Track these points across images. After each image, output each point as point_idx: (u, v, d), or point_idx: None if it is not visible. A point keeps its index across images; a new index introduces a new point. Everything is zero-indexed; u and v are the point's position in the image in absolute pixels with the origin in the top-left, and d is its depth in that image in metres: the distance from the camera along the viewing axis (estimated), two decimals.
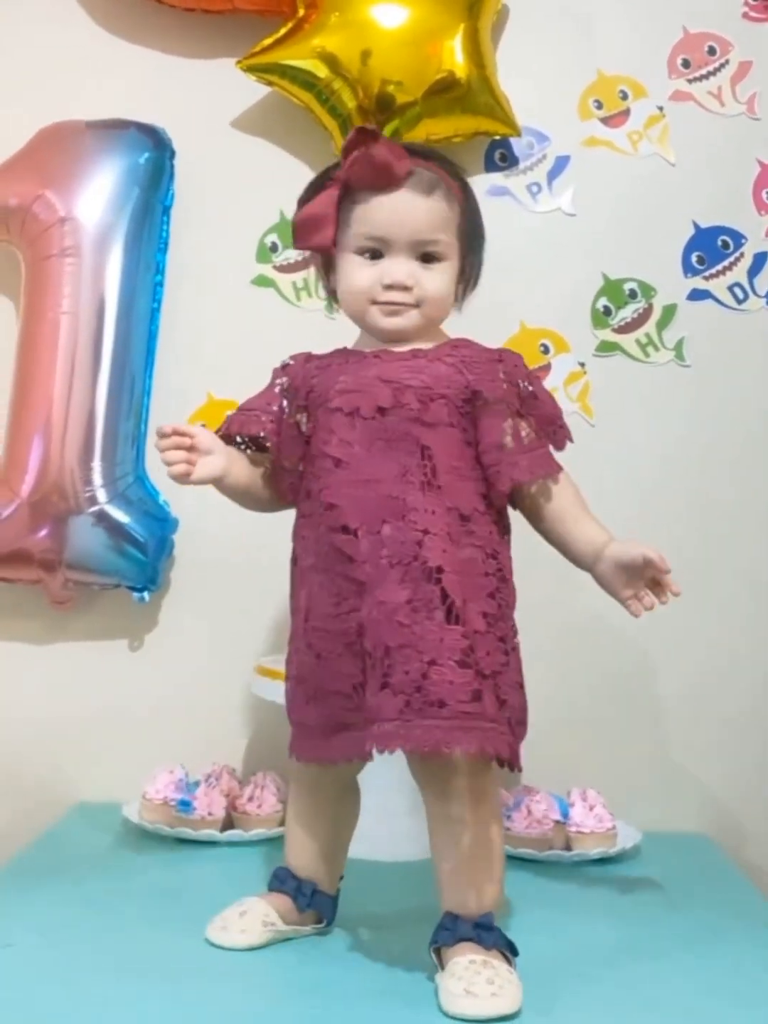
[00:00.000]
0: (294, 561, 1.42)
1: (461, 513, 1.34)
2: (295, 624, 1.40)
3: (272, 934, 1.40)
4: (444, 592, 1.29)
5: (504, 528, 1.41)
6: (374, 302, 1.38)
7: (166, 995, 1.25)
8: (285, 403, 1.42)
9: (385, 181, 1.36)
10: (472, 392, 1.36)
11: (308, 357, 1.45)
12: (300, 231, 1.41)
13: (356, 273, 1.39)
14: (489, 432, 1.36)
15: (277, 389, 1.44)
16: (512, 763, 1.32)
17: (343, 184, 1.38)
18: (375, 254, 1.38)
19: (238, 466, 1.41)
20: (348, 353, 1.43)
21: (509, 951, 1.30)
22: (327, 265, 1.46)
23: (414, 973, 1.32)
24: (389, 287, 1.37)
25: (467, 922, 1.29)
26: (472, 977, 1.23)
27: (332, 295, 1.49)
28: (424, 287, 1.38)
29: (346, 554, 1.32)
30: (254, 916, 1.40)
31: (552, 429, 1.41)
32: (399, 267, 1.37)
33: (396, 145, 1.39)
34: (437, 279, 1.39)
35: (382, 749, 1.27)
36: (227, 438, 1.43)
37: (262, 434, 1.41)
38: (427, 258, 1.39)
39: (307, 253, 1.63)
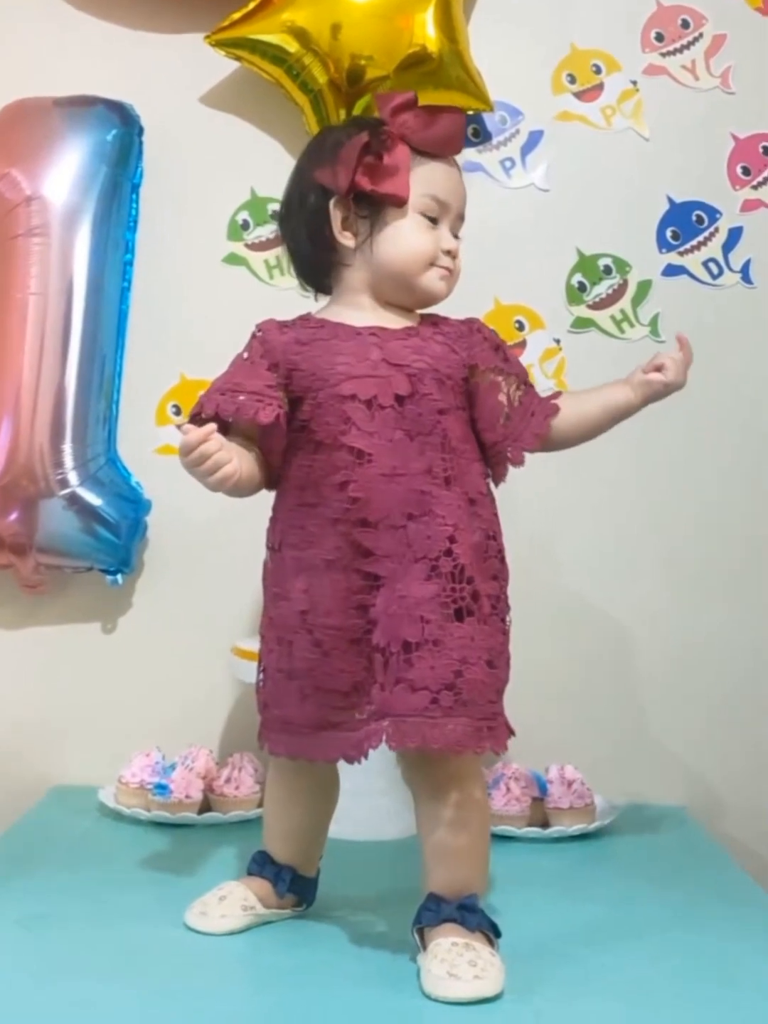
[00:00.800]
0: (277, 548, 1.37)
1: (470, 497, 1.34)
2: (278, 614, 1.36)
3: (252, 918, 1.39)
4: (476, 592, 1.29)
5: (496, 506, 1.40)
6: (433, 265, 1.38)
7: (146, 982, 1.23)
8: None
9: (452, 149, 1.40)
10: (469, 367, 1.36)
11: (280, 328, 1.38)
12: (375, 175, 1.34)
13: (420, 234, 1.37)
14: (490, 411, 1.36)
15: (265, 366, 1.35)
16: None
17: (405, 140, 1.36)
18: (433, 219, 1.38)
19: (244, 461, 1.33)
20: (334, 326, 1.37)
21: (492, 932, 1.30)
22: (348, 221, 1.37)
23: (396, 955, 1.32)
24: (447, 252, 1.38)
25: (451, 903, 1.29)
26: (455, 959, 1.22)
27: (312, 267, 1.43)
28: (458, 262, 1.41)
29: (364, 548, 1.29)
30: (233, 901, 1.39)
31: (528, 385, 1.42)
32: (452, 236, 1.40)
33: (459, 114, 1.42)
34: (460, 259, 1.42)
35: (404, 745, 1.26)
36: (221, 422, 1.32)
37: (269, 422, 1.32)
38: (453, 227, 1.41)
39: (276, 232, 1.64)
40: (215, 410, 1.32)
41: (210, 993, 1.22)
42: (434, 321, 1.40)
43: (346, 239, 1.37)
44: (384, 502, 1.29)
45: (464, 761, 1.30)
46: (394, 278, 1.38)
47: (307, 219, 1.39)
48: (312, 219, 1.38)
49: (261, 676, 1.40)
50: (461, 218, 1.41)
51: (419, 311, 1.42)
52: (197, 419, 1.33)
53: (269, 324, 1.40)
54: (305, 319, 1.41)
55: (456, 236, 1.41)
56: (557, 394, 1.43)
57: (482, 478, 1.37)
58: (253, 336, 1.39)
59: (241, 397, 1.33)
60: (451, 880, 1.30)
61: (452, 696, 1.25)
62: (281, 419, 1.33)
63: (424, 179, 1.36)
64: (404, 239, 1.36)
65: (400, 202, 1.35)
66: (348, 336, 1.35)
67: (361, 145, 1.34)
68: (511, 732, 1.33)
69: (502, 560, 1.37)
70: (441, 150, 1.38)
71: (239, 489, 1.33)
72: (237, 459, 1.29)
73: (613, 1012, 1.21)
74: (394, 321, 1.38)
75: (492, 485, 1.40)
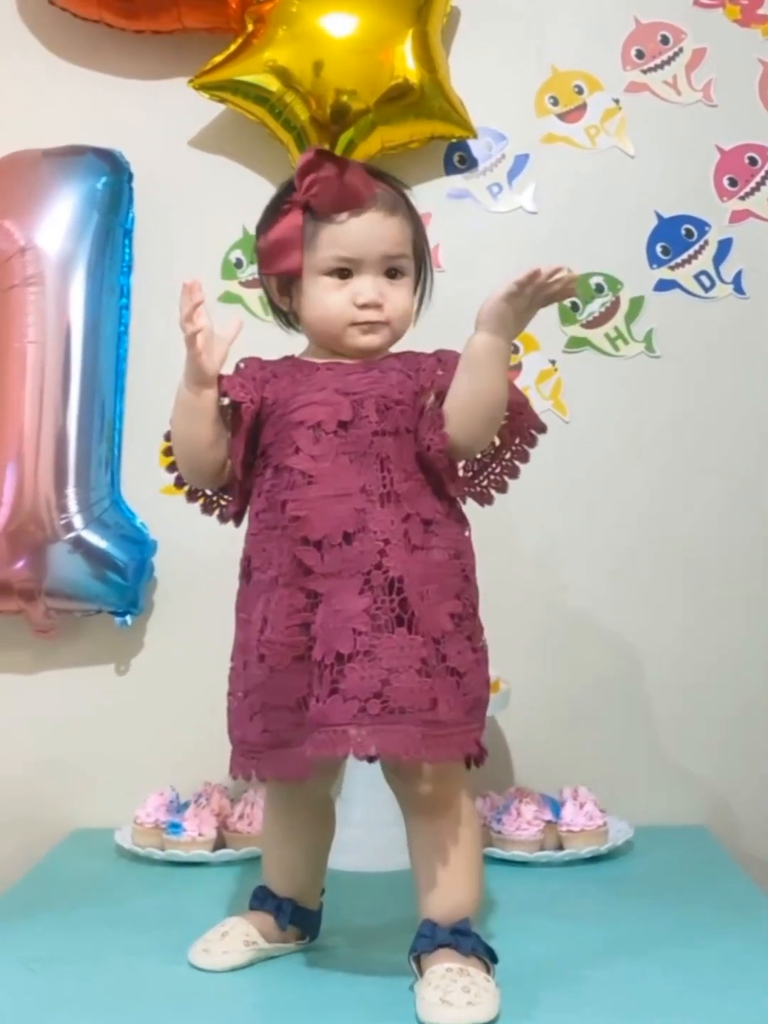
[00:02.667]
0: (247, 575, 1.40)
1: (423, 518, 1.34)
2: (244, 638, 1.39)
3: (255, 953, 1.40)
4: (405, 602, 1.29)
5: (465, 528, 1.41)
6: (352, 323, 1.38)
7: (144, 1020, 1.24)
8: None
9: (354, 203, 1.38)
10: (418, 393, 1.37)
11: (261, 364, 1.44)
12: (266, 257, 1.42)
13: (328, 296, 1.38)
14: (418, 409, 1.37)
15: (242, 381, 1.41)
16: (480, 759, 1.34)
17: (304, 208, 1.39)
18: (344, 274, 1.38)
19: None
20: (299, 364, 1.42)
21: (488, 957, 1.29)
22: (282, 288, 1.44)
23: (397, 985, 1.31)
24: (364, 306, 1.37)
25: (444, 928, 1.29)
26: (448, 985, 1.22)
27: (284, 316, 1.49)
28: (393, 303, 1.39)
29: (306, 566, 1.32)
30: (235, 936, 1.40)
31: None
32: (370, 286, 1.37)
33: (358, 167, 1.40)
34: (402, 294, 1.40)
35: (333, 753, 1.27)
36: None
37: (242, 403, 1.38)
38: (392, 274, 1.39)
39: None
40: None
41: None
42: (400, 356, 1.42)
43: (283, 305, 1.45)
44: (324, 521, 1.31)
45: (447, 782, 1.32)
46: (321, 341, 1.42)
47: (263, 286, 1.49)
48: (264, 286, 1.48)
49: (228, 702, 1.43)
50: (392, 257, 1.39)
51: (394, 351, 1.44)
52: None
53: (251, 359, 1.45)
54: (285, 359, 1.46)
55: (394, 272, 1.39)
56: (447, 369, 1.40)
57: (439, 498, 1.37)
58: (235, 366, 1.44)
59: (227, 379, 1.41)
60: (443, 904, 1.31)
61: (379, 704, 1.26)
62: (247, 405, 1.38)
63: (329, 240, 1.38)
64: (314, 305, 1.39)
65: (295, 274, 1.39)
66: (310, 371, 1.40)
67: (257, 225, 1.43)
68: (476, 746, 1.32)
69: (466, 579, 1.37)
70: (340, 208, 1.37)
71: (203, 415, 1.39)
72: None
73: None
74: (355, 359, 1.41)
75: (465, 506, 1.42)
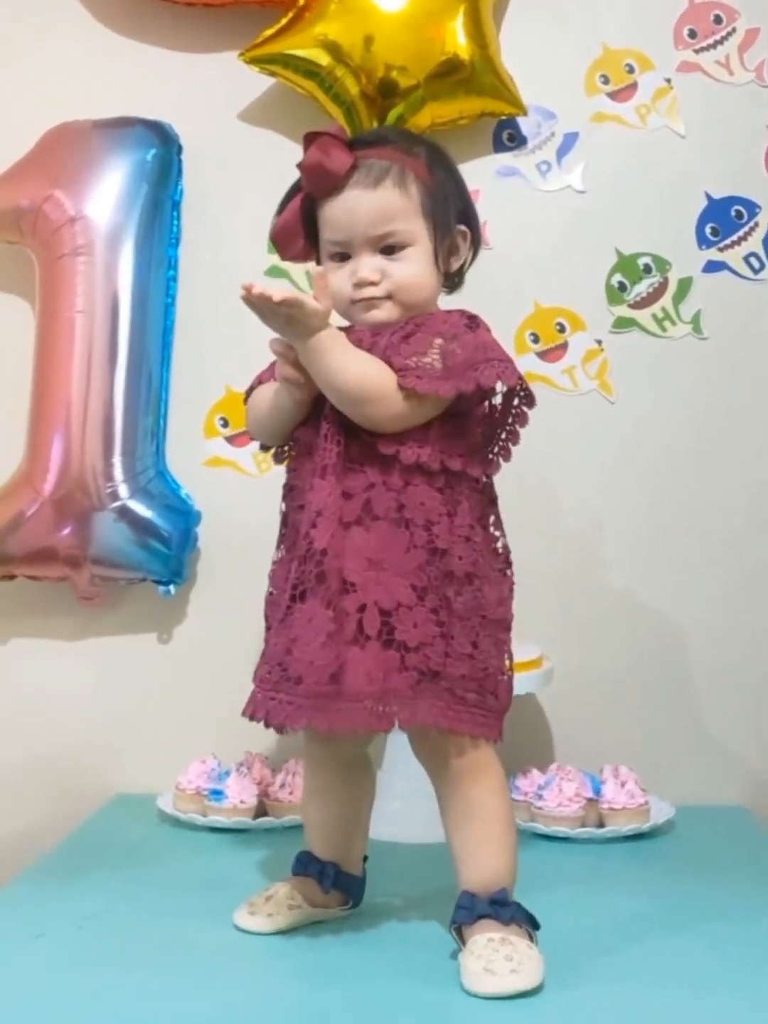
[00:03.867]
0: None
1: (389, 486, 1.31)
2: None
3: (299, 916, 1.41)
4: (323, 573, 1.30)
5: (452, 499, 1.34)
6: (353, 302, 1.38)
7: (194, 979, 1.26)
8: None
9: (327, 183, 1.35)
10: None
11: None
12: (278, 246, 1.44)
13: (334, 277, 1.37)
14: None
15: None
16: (383, 730, 1.32)
17: (305, 194, 1.39)
18: (343, 256, 1.38)
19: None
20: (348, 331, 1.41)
21: (530, 925, 1.31)
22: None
23: (440, 953, 1.33)
24: (358, 285, 1.36)
25: (483, 899, 1.30)
26: (491, 955, 1.24)
27: None
28: (393, 278, 1.36)
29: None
30: (280, 900, 1.42)
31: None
32: (363, 265, 1.36)
33: (335, 141, 1.35)
34: (405, 266, 1.36)
35: (251, 715, 1.34)
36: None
37: None
38: (389, 250, 1.36)
39: None
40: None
41: (255, 990, 1.25)
42: (420, 320, 1.36)
43: None
44: (299, 490, 1.38)
45: (471, 753, 1.33)
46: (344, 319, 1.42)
47: None
48: None
49: None
50: (382, 236, 1.35)
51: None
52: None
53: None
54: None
55: (391, 248, 1.35)
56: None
57: (410, 468, 1.31)
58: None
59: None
60: (480, 875, 1.32)
61: (280, 672, 1.31)
62: None
63: (324, 223, 1.38)
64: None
65: (305, 260, 1.42)
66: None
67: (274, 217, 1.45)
68: (389, 723, 1.29)
69: (434, 551, 1.31)
70: (322, 190, 1.36)
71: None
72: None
73: (653, 1002, 1.21)
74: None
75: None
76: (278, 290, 1.28)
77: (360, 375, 1.31)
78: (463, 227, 1.41)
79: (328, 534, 1.30)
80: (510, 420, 1.39)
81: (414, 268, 1.37)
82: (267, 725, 1.33)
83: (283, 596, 1.35)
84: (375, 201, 1.35)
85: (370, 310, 1.37)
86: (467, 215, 1.42)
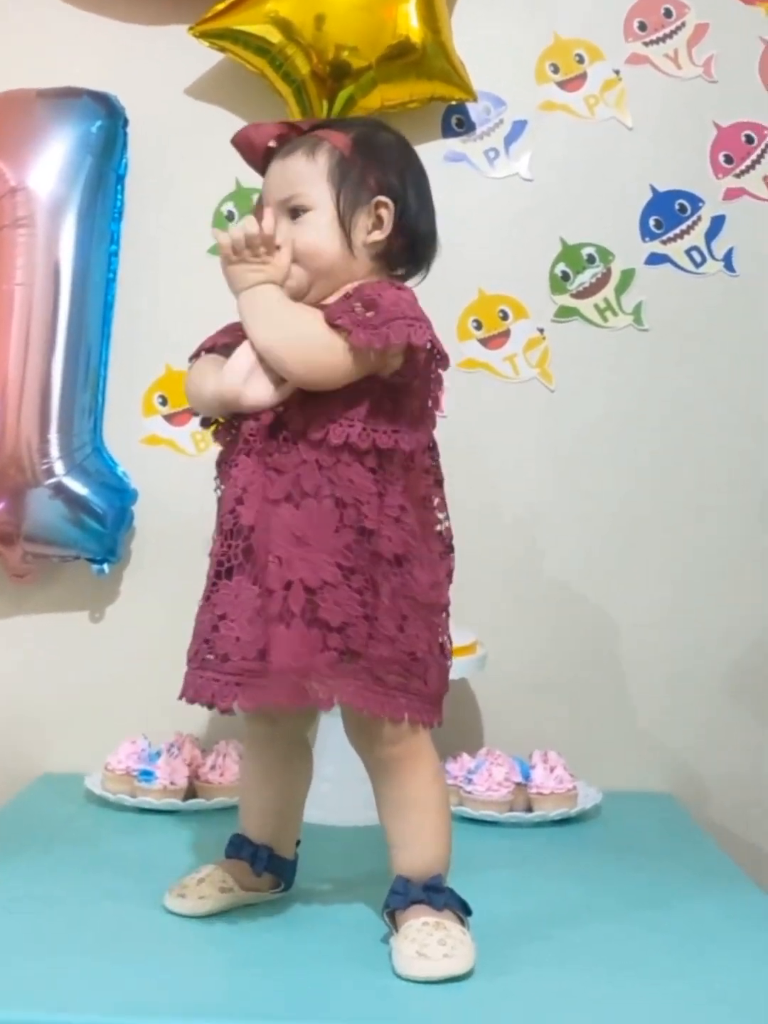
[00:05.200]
0: None
1: (319, 464, 1.31)
2: None
3: (230, 899, 1.41)
4: (250, 548, 1.30)
5: (384, 479, 1.32)
6: None
7: (123, 963, 1.25)
8: None
9: (252, 154, 1.43)
10: None
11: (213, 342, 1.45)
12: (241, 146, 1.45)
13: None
14: None
15: None
16: (304, 706, 1.32)
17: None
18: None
19: None
20: None
21: (462, 911, 1.31)
22: None
23: (372, 937, 1.33)
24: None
25: (417, 885, 1.31)
26: (425, 939, 1.24)
27: None
28: (297, 241, 1.37)
29: None
30: (211, 882, 1.41)
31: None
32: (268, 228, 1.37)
33: (271, 122, 1.44)
34: (303, 230, 1.37)
35: (180, 696, 1.35)
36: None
37: None
38: (293, 214, 1.38)
39: None
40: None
41: (186, 973, 1.24)
42: (348, 293, 1.35)
43: None
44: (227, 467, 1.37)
45: (404, 740, 1.33)
46: None
47: None
48: None
49: None
50: (287, 199, 1.37)
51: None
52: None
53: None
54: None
55: (296, 211, 1.37)
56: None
57: (339, 447, 1.31)
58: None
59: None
60: (414, 862, 1.33)
61: (207, 648, 1.31)
62: None
63: None
64: None
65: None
66: None
67: None
68: (301, 697, 1.29)
69: (363, 531, 1.30)
70: (249, 163, 1.44)
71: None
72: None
73: (581, 986, 1.23)
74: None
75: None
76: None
77: (298, 325, 1.33)
78: (384, 198, 1.38)
79: (254, 511, 1.30)
80: (430, 386, 1.37)
81: (311, 232, 1.37)
82: (192, 702, 1.33)
83: (210, 572, 1.34)
84: (283, 168, 1.39)
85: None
86: (390, 188, 1.40)
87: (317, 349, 1.30)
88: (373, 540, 1.31)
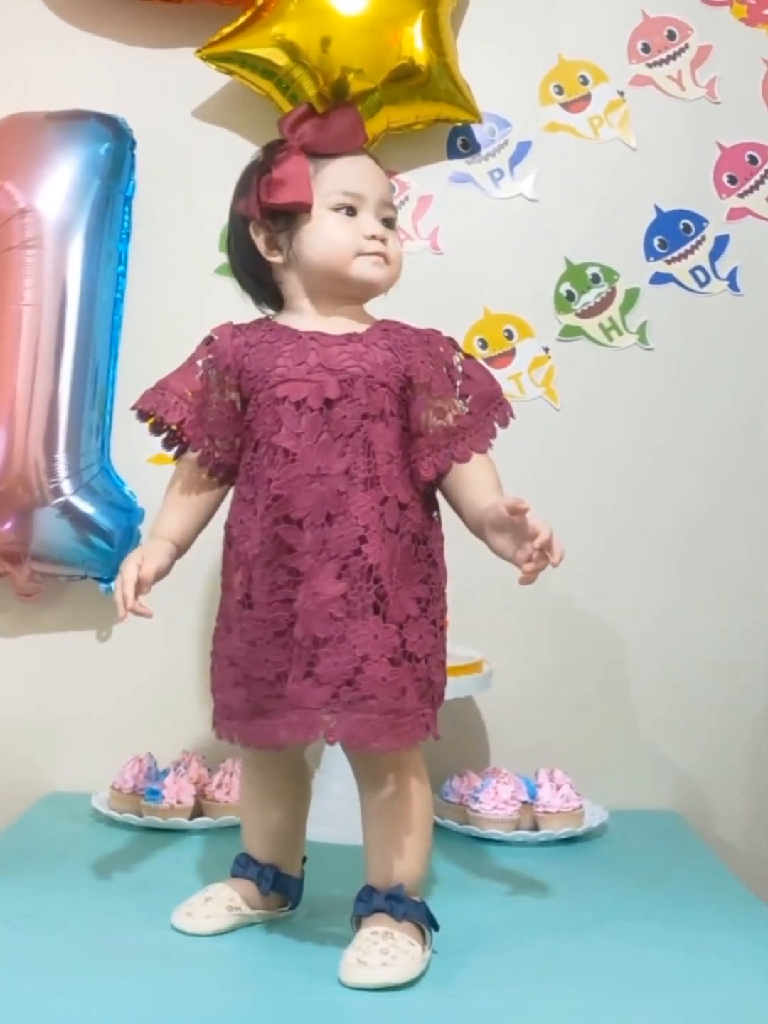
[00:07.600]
0: (229, 543, 1.41)
1: (399, 502, 1.35)
2: (227, 604, 1.40)
3: (237, 918, 1.41)
4: (381, 590, 1.31)
5: (433, 511, 1.41)
6: (360, 253, 1.39)
7: (131, 982, 1.25)
8: (213, 380, 1.40)
9: (353, 142, 1.43)
10: (406, 378, 1.36)
11: (234, 331, 1.42)
12: (277, 189, 1.39)
13: (337, 229, 1.39)
14: (414, 420, 1.36)
15: (199, 373, 1.41)
16: (433, 736, 1.35)
17: (303, 150, 1.40)
18: (350, 211, 1.40)
19: (184, 535, 1.45)
20: (280, 330, 1.40)
21: (426, 923, 1.33)
22: (271, 242, 1.42)
23: None
24: (372, 238, 1.39)
25: (380, 894, 1.33)
26: (368, 947, 1.27)
27: (258, 292, 1.48)
28: (391, 247, 1.42)
29: (288, 544, 1.32)
30: (219, 901, 1.42)
31: (492, 407, 1.41)
32: (376, 222, 1.41)
33: (350, 110, 1.45)
34: (396, 243, 1.43)
35: (305, 736, 1.30)
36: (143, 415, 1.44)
37: (176, 426, 1.42)
38: (388, 223, 1.42)
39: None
40: (140, 405, 1.44)
41: (192, 990, 1.25)
42: (386, 328, 1.41)
43: (274, 257, 1.43)
44: (305, 501, 1.32)
45: (396, 755, 1.33)
46: (325, 276, 1.41)
47: (239, 250, 1.47)
48: (242, 248, 1.46)
49: (212, 661, 1.44)
50: (387, 205, 1.43)
51: (375, 317, 1.44)
52: (138, 413, 1.45)
53: (224, 328, 1.44)
54: (259, 323, 1.44)
55: (389, 222, 1.42)
56: (485, 445, 1.41)
57: (414, 483, 1.36)
58: (207, 338, 1.45)
59: (166, 395, 1.43)
60: (381, 871, 1.35)
61: (351, 691, 1.28)
62: (189, 424, 1.41)
63: (332, 177, 1.40)
64: (322, 237, 1.39)
65: (305, 207, 1.39)
66: (290, 339, 1.39)
67: (255, 168, 1.42)
68: (429, 732, 1.34)
69: (433, 564, 1.38)
70: (340, 147, 1.41)
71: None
72: (157, 558, 1.40)
73: (590, 1005, 1.23)
74: (337, 327, 1.40)
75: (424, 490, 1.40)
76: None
77: None
78: None
79: (378, 548, 1.31)
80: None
81: (399, 248, 1.44)
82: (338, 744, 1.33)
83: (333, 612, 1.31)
84: (385, 178, 1.46)
85: (377, 266, 1.40)
86: None
87: None
88: (436, 572, 1.39)
